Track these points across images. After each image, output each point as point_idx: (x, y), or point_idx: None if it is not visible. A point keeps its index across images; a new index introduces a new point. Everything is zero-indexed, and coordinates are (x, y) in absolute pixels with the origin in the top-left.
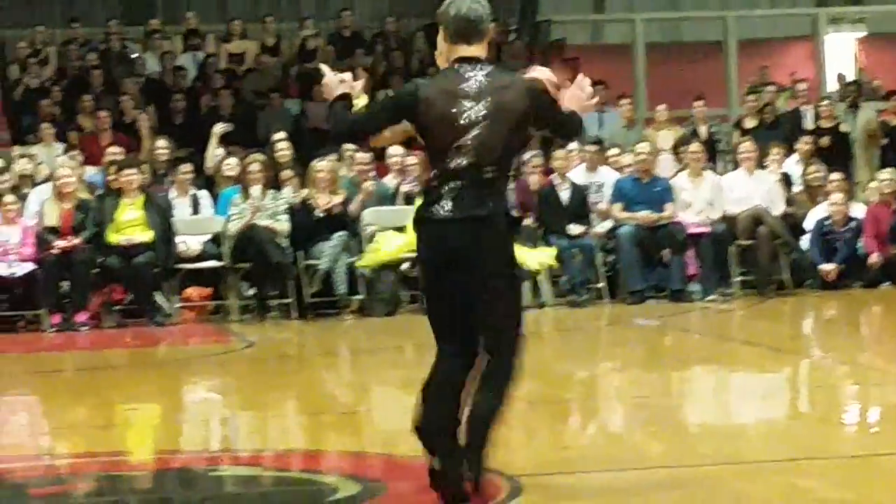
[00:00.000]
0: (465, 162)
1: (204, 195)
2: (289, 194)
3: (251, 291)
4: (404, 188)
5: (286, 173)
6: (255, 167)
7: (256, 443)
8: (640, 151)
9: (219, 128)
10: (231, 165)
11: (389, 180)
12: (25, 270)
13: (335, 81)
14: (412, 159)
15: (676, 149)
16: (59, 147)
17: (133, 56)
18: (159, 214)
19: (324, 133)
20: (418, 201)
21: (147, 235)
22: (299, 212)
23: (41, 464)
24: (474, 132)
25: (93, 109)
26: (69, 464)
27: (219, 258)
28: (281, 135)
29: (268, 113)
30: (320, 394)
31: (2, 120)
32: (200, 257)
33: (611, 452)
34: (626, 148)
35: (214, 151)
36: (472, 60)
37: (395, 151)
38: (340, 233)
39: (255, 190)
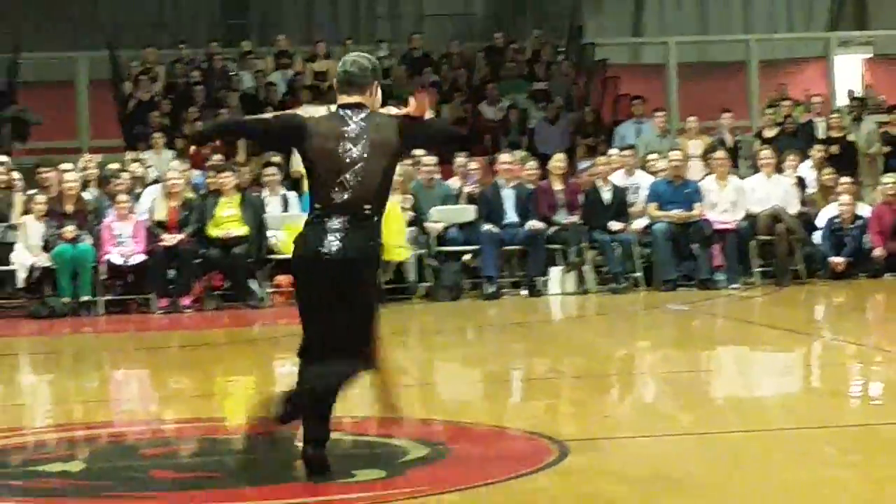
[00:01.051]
0: (345, 197)
1: (292, 195)
2: None
3: None
4: (467, 189)
5: None
6: None
7: (336, 410)
8: (673, 158)
9: None
10: None
11: (454, 182)
12: (137, 260)
13: None
14: (474, 164)
15: (705, 155)
16: (168, 153)
17: (231, 73)
18: (253, 212)
19: None
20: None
21: (243, 230)
22: None
23: (151, 428)
24: (355, 169)
25: (196, 120)
26: (175, 428)
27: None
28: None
29: None
30: (393, 368)
31: (117, 129)
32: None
33: (647, 420)
34: (661, 154)
35: (298, 157)
36: (352, 106)
37: (460, 159)
38: (411, 228)
39: None
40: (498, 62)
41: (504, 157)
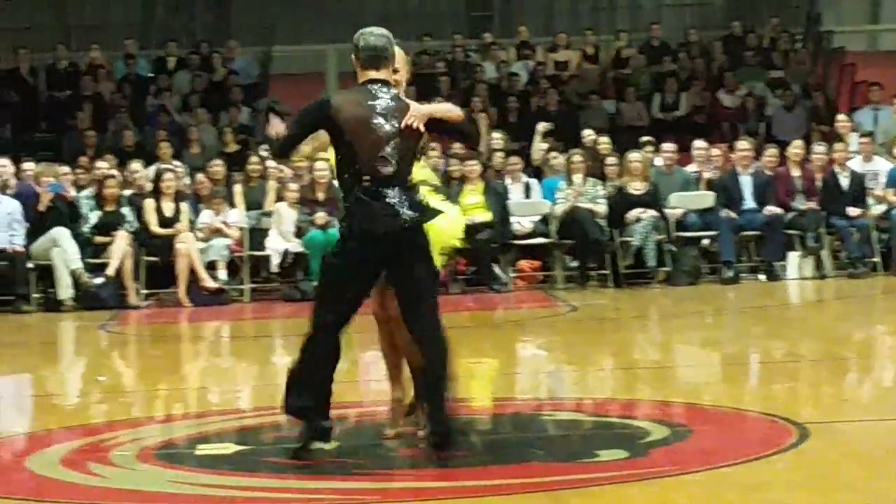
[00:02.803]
0: (391, 170)
1: (534, 183)
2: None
3: (574, 264)
4: (706, 175)
5: (609, 160)
6: (577, 158)
7: (578, 392)
8: None
9: (542, 126)
10: (557, 158)
11: (693, 168)
12: None
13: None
14: (715, 151)
15: None
16: None
17: (474, 64)
18: (497, 198)
19: (637, 129)
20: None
21: (486, 216)
22: (615, 196)
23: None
24: (393, 143)
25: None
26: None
27: (547, 235)
28: (590, 132)
29: (587, 112)
30: (633, 351)
31: None
32: (531, 235)
33: (886, 404)
34: None
35: (539, 146)
36: (379, 82)
37: (699, 144)
38: (651, 212)
39: (577, 178)
40: (736, 51)
41: (742, 144)
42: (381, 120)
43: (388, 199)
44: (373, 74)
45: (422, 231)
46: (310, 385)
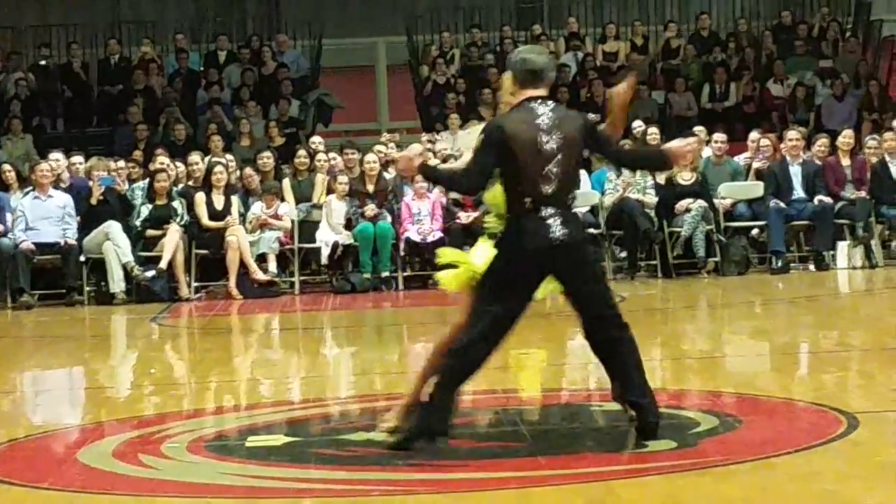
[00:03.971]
0: (551, 189)
1: (583, 174)
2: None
3: (623, 254)
4: (756, 165)
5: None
6: None
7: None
8: None
9: (590, 117)
10: None
11: (742, 158)
12: (435, 237)
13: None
14: (765, 141)
15: None
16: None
17: None
18: None
19: (686, 119)
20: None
21: None
22: (664, 186)
23: None
24: (554, 161)
25: (491, 101)
26: (472, 399)
27: (596, 226)
28: (639, 123)
29: (636, 103)
30: (682, 341)
31: (414, 111)
32: None
33: None
34: None
35: None
36: (538, 98)
37: (752, 136)
38: (700, 202)
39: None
40: (785, 40)
41: (791, 134)
42: (545, 137)
43: (543, 217)
44: (531, 92)
45: (577, 247)
46: (454, 387)
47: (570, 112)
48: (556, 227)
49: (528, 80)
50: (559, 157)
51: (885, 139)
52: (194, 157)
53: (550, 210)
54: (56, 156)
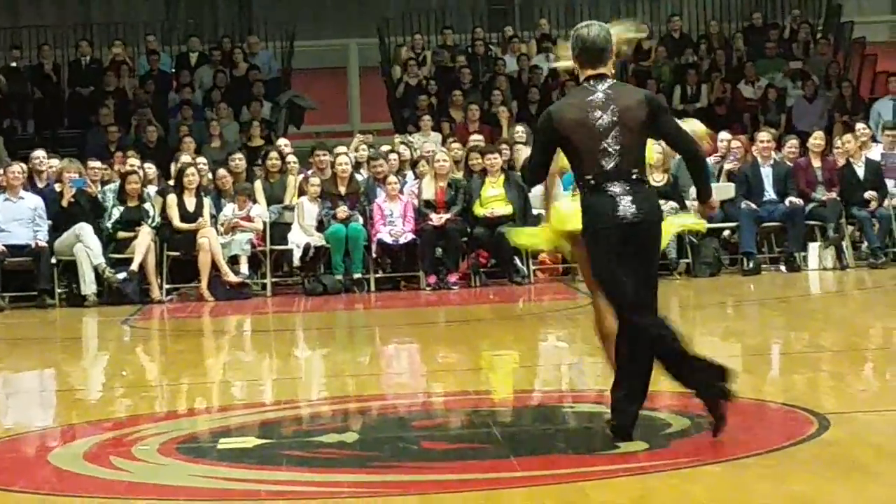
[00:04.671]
0: (612, 164)
1: None
2: None
3: None
4: (727, 166)
5: None
6: None
7: (599, 384)
8: None
9: None
10: None
11: (713, 160)
12: (407, 239)
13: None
14: (736, 143)
15: None
16: (435, 135)
17: (495, 58)
18: (518, 191)
19: None
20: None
21: (507, 209)
22: None
23: (421, 401)
24: (611, 135)
25: (462, 103)
26: (443, 401)
27: None
28: None
29: None
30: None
31: (386, 113)
32: None
33: None
34: None
35: None
36: (598, 77)
37: (722, 137)
38: (671, 204)
39: None
40: (756, 42)
41: (763, 136)
42: (598, 113)
43: (610, 195)
44: (589, 72)
45: (647, 227)
46: (636, 374)
47: (630, 87)
48: (625, 205)
49: (584, 60)
50: (615, 131)
51: (846, 140)
52: (184, 157)
53: (616, 187)
54: (38, 153)
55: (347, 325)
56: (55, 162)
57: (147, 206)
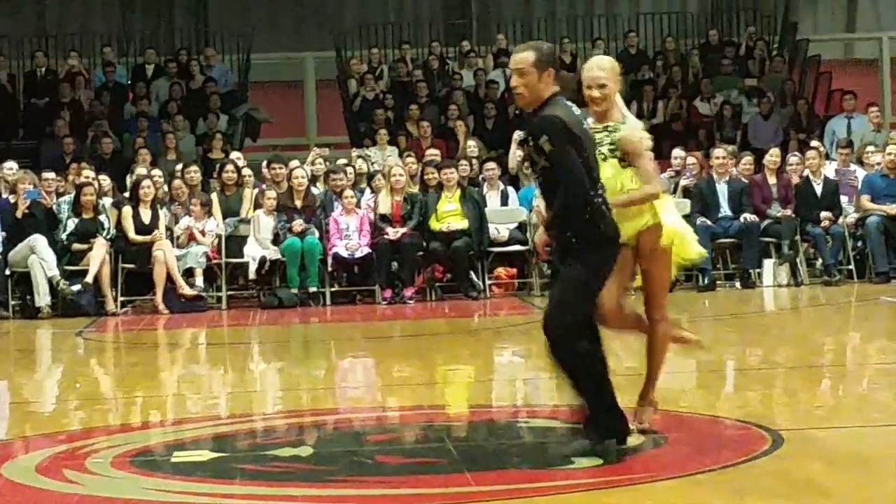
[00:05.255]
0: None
1: (511, 190)
2: None
3: (550, 271)
4: (683, 182)
5: None
6: None
7: (554, 400)
8: (890, 152)
9: (518, 135)
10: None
11: (667, 175)
12: (362, 253)
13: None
14: (691, 159)
15: None
16: (391, 149)
17: (452, 72)
18: (474, 206)
19: None
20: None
21: (463, 223)
22: None
23: (376, 414)
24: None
25: (418, 118)
26: (399, 415)
27: (524, 243)
28: None
29: None
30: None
31: (342, 126)
32: (508, 242)
33: (859, 410)
34: (877, 149)
35: (515, 154)
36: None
37: (677, 153)
38: None
39: None
40: (712, 59)
41: (718, 152)
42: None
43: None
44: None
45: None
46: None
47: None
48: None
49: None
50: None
51: (808, 157)
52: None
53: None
54: (10, 165)
55: (303, 339)
56: (9, 173)
57: (102, 218)
